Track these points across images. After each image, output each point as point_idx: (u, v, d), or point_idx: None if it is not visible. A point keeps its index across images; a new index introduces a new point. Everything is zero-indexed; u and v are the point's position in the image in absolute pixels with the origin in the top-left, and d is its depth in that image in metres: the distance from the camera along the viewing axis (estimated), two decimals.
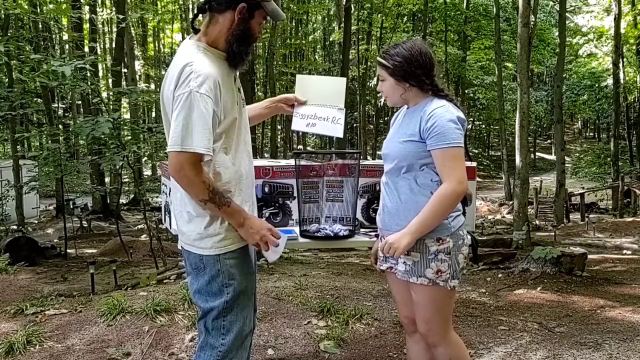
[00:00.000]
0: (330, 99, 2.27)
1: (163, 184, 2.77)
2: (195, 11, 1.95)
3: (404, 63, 1.95)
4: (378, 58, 2.06)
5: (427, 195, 1.96)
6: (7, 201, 11.98)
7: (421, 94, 2.01)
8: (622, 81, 20.30)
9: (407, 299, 2.12)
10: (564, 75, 19.27)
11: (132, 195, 18.08)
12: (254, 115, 2.31)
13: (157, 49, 31.51)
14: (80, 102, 17.21)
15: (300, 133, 32.27)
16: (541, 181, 23.61)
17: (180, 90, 1.74)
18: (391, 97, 2.06)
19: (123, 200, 17.81)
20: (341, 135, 2.27)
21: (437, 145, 1.91)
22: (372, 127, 32.21)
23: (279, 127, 28.27)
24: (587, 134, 44.13)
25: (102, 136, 5.95)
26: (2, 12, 9.30)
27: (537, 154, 36.71)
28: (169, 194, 2.59)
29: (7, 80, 11.38)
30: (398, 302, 2.25)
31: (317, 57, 33.77)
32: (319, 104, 2.28)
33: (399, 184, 2.02)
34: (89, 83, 6.43)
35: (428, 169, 1.97)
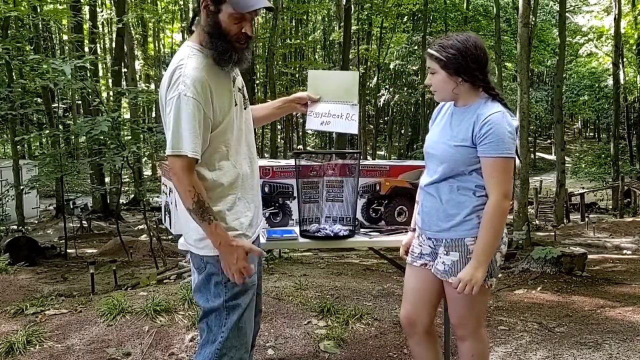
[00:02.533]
0: (343, 94, 2.26)
1: (163, 184, 2.78)
2: (191, 14, 1.94)
3: (459, 56, 1.86)
4: (430, 50, 1.93)
5: (469, 196, 1.92)
6: (7, 201, 11.99)
7: (473, 90, 1.92)
8: (622, 81, 20.30)
9: (420, 300, 2.10)
10: (564, 75, 19.27)
11: (132, 195, 18.08)
12: (265, 114, 2.29)
13: (157, 49, 31.49)
14: (80, 102, 17.21)
15: (300, 133, 32.30)
16: (541, 181, 23.62)
17: (170, 94, 1.75)
18: (440, 92, 1.96)
19: (123, 200, 17.82)
20: (356, 132, 2.25)
21: (489, 153, 1.84)
22: (372, 127, 32.21)
23: (279, 127, 28.27)
24: (587, 134, 44.12)
25: (102, 137, 5.96)
26: (2, 13, 9.30)
27: (537, 154, 36.70)
28: (169, 194, 2.59)
29: (7, 80, 11.38)
30: (407, 299, 2.16)
31: (317, 57, 33.75)
32: (332, 101, 2.26)
33: (440, 185, 1.97)
34: (89, 83, 6.43)
35: (477, 173, 1.91)
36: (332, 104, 2.26)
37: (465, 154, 1.89)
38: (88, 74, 6.46)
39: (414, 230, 2.19)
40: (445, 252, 1.98)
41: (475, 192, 1.92)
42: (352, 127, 2.22)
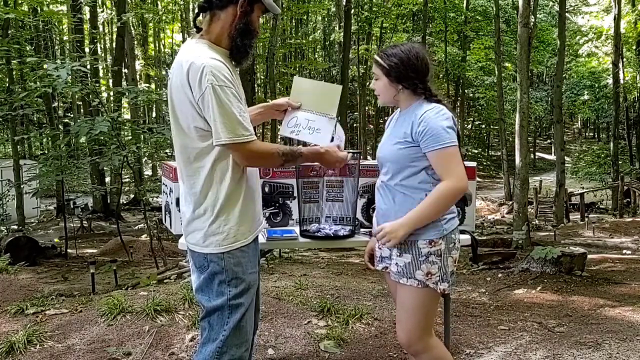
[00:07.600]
0: (324, 106, 2.23)
1: (163, 184, 2.78)
2: (197, 10, 1.95)
3: (400, 65, 1.96)
4: (375, 56, 2.05)
5: (422, 196, 1.96)
6: (8, 201, 11.98)
7: (413, 97, 2.01)
8: (621, 81, 20.30)
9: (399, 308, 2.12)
10: (564, 75, 19.27)
11: (133, 195, 18.09)
12: None
13: (157, 49, 31.51)
14: (80, 102, 17.22)
15: None
16: (541, 181, 23.61)
17: (199, 91, 1.75)
18: (383, 96, 2.07)
19: (123, 200, 17.81)
20: (327, 144, 2.12)
21: (432, 147, 1.90)
22: (372, 127, 32.20)
23: (279, 127, 28.27)
24: (587, 134, 44.15)
25: (102, 137, 5.96)
26: (1, 14, 9.30)
27: (537, 154, 36.71)
28: (169, 193, 2.60)
29: (7, 80, 11.38)
30: (395, 301, 2.23)
31: (317, 57, 33.75)
32: (311, 111, 2.24)
33: (392, 186, 2.02)
34: (88, 85, 6.43)
35: (422, 171, 1.96)
36: (311, 113, 2.23)
37: (407, 151, 1.97)
38: (88, 75, 6.45)
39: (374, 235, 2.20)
40: (398, 254, 2.00)
41: (426, 193, 1.95)
42: (324, 139, 2.15)
